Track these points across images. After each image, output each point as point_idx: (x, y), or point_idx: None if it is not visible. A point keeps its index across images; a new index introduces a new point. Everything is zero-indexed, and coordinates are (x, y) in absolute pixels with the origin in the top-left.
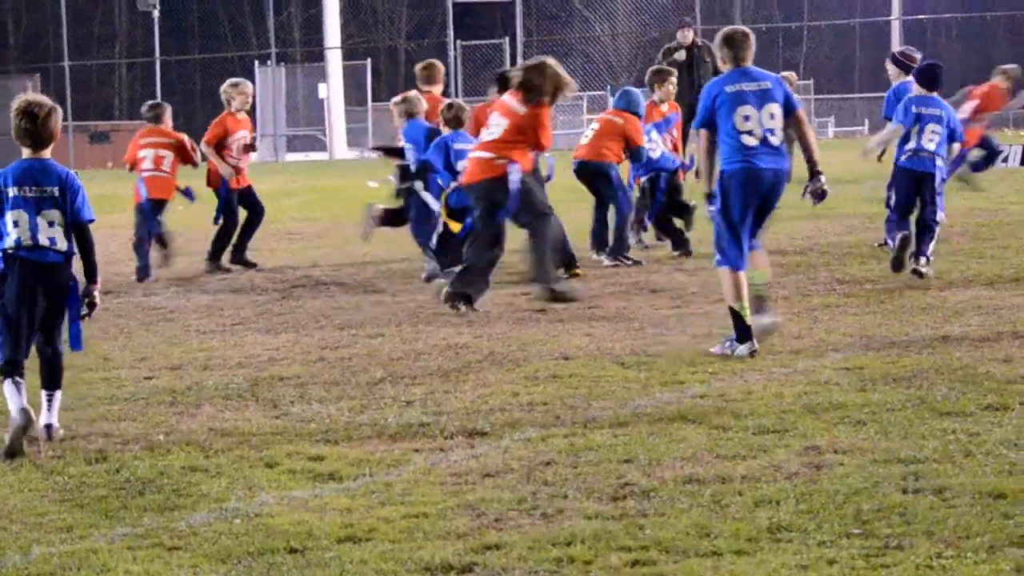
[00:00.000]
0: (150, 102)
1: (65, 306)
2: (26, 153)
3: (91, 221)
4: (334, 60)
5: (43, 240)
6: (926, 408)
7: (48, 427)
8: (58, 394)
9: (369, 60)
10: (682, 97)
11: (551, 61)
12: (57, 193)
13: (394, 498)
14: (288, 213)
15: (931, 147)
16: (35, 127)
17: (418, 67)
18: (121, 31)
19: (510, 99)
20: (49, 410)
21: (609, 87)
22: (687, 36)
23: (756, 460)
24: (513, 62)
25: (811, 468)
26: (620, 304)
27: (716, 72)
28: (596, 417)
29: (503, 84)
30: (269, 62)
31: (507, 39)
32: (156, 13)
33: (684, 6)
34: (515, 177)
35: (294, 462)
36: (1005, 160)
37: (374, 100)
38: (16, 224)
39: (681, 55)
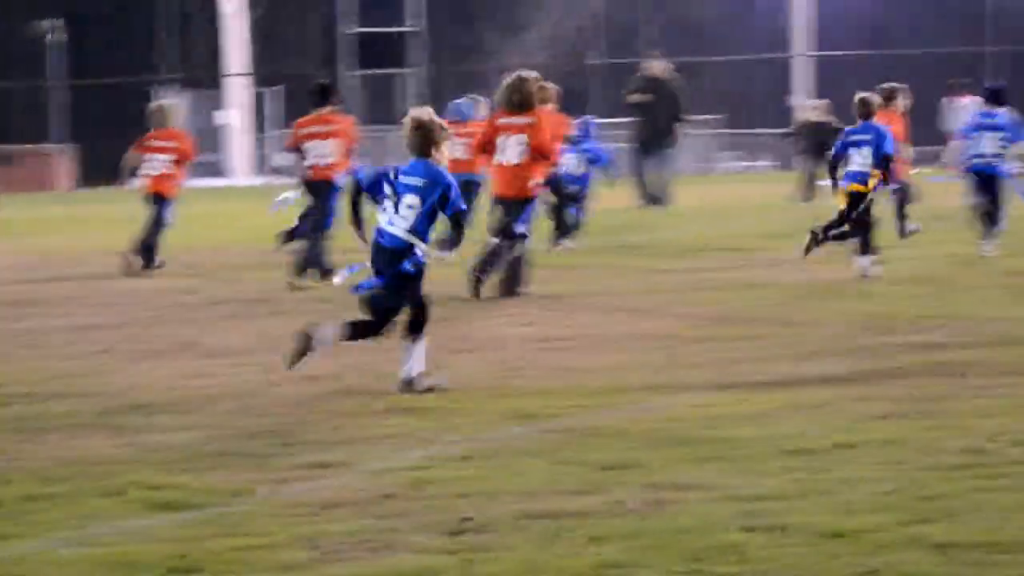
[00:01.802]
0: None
1: None
2: None
3: None
4: (236, 86)
5: None
6: (772, 446)
7: None
8: None
9: (282, 87)
10: (647, 126)
11: (528, 74)
12: None
13: (230, 529)
14: (178, 238)
15: None
16: None
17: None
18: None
19: (508, 119)
20: None
21: None
22: (655, 68)
23: (595, 496)
24: (416, 91)
25: (649, 505)
26: (488, 335)
27: (679, 105)
28: (442, 450)
29: (321, 94)
30: (171, 88)
31: (410, 69)
32: (49, 37)
33: (592, 39)
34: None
35: (134, 491)
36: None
37: (283, 126)
38: None
39: (645, 96)
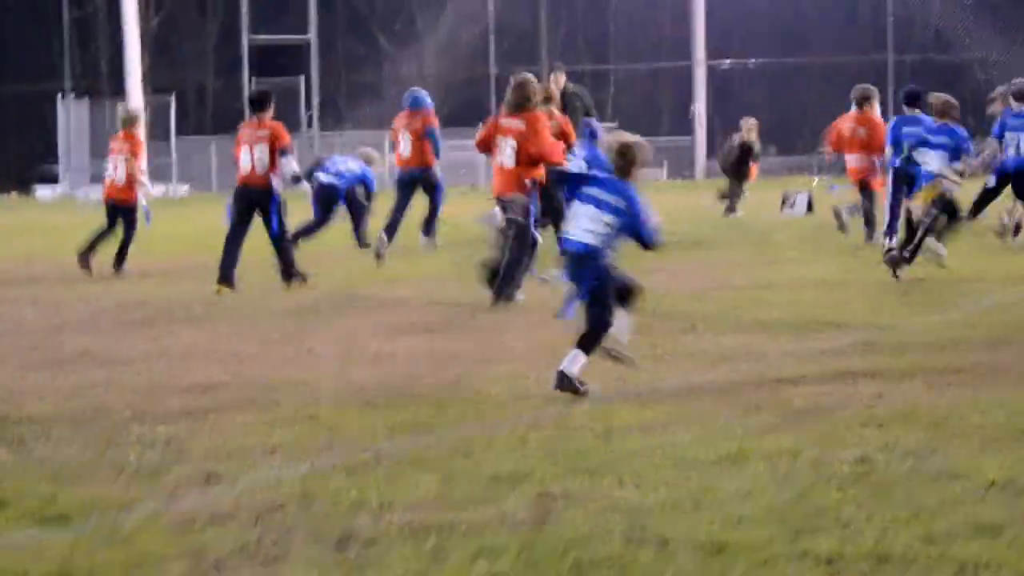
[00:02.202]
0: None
1: None
2: None
3: None
4: (136, 96)
5: None
6: (666, 457)
7: None
8: None
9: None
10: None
11: (529, 77)
12: None
13: (117, 542)
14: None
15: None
16: None
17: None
18: None
19: (507, 120)
20: None
21: None
22: (560, 81)
23: (485, 508)
24: (308, 101)
25: (539, 516)
26: (384, 345)
27: (588, 114)
28: (334, 461)
29: (258, 101)
30: (72, 96)
31: (302, 78)
32: None
33: (490, 48)
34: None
35: (23, 503)
36: (792, 207)
37: (178, 135)
38: None
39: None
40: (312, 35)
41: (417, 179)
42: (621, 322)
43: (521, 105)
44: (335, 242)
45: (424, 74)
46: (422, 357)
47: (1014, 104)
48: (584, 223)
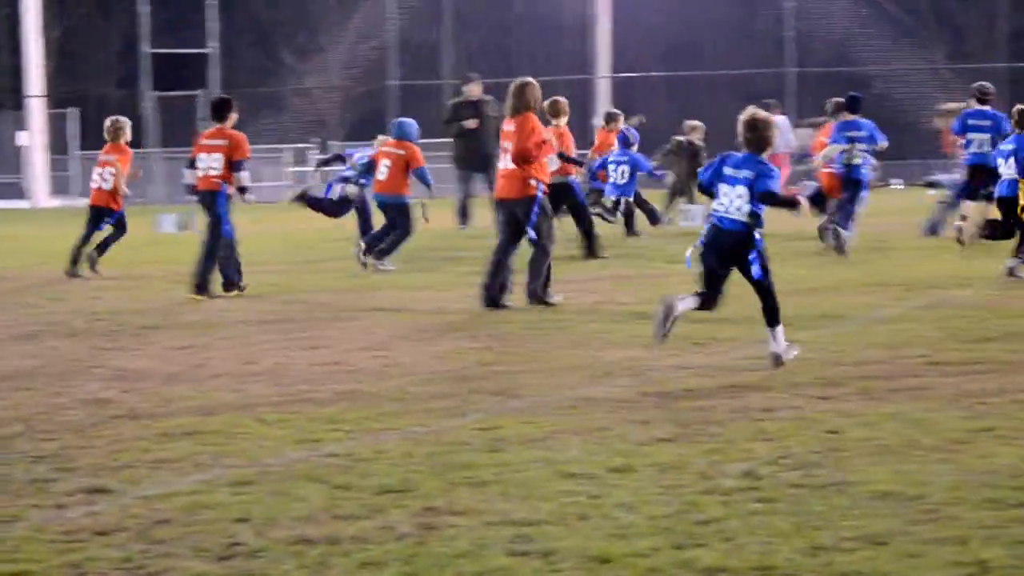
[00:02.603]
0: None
1: None
2: None
3: None
4: (36, 108)
5: None
6: (553, 469)
7: None
8: None
9: (77, 108)
10: (474, 150)
11: (525, 81)
12: None
13: (1, 556)
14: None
15: None
16: None
17: (545, 104)
18: None
19: (506, 125)
20: None
21: (319, 140)
22: (475, 90)
23: (371, 521)
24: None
25: (424, 529)
26: (275, 358)
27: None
28: (221, 474)
29: (217, 109)
30: None
31: (202, 91)
32: None
33: (393, 61)
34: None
35: None
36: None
37: (81, 148)
38: None
39: (473, 121)
40: (214, 47)
41: (390, 205)
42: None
43: (517, 109)
44: (262, 251)
45: (327, 86)
46: (317, 370)
47: (975, 104)
48: (734, 202)
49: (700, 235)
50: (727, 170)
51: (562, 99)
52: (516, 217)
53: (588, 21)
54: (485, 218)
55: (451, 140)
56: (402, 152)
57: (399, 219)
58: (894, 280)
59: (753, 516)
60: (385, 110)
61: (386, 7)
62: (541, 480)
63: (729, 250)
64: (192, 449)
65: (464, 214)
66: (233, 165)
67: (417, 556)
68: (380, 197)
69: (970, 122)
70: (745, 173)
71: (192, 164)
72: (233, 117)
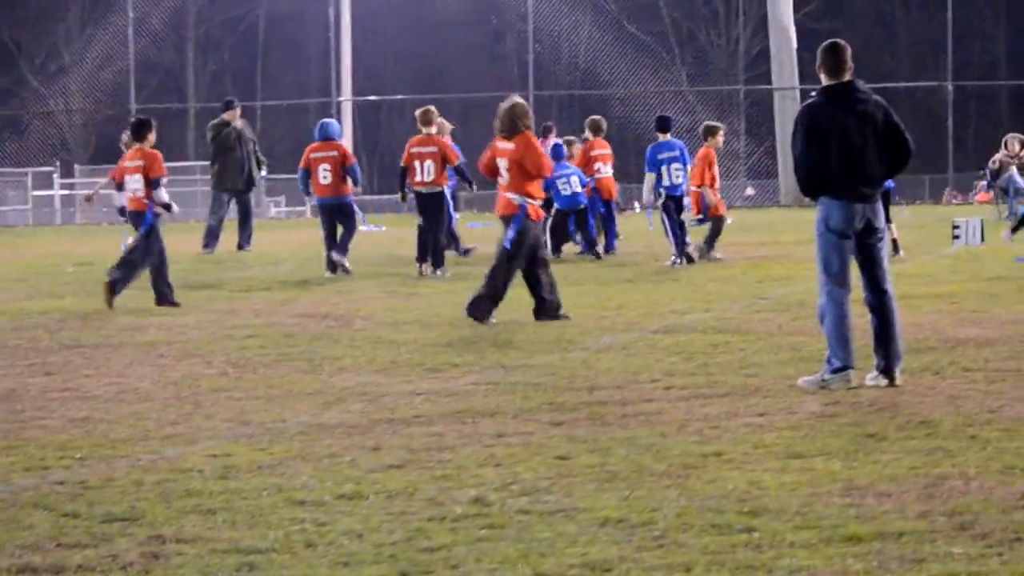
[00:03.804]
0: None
1: None
2: None
3: None
4: None
5: None
6: (282, 497)
7: None
8: None
9: None
10: (236, 172)
11: (516, 100)
12: None
13: None
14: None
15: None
16: None
17: (416, 112)
18: None
19: (501, 144)
20: None
21: (59, 163)
22: (234, 115)
23: (96, 549)
24: None
25: (149, 558)
26: (6, 384)
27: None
28: None
29: (136, 130)
30: None
31: None
32: None
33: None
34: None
35: None
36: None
37: None
38: None
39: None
40: None
41: (334, 207)
42: None
43: (514, 128)
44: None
45: (70, 110)
46: (51, 396)
47: (659, 136)
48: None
49: None
50: None
51: (433, 108)
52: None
53: (332, 45)
54: (229, 242)
55: (208, 163)
56: (334, 153)
57: (345, 219)
58: (632, 304)
59: (480, 543)
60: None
61: (128, 30)
62: (270, 507)
63: None
64: None
65: (214, 237)
66: (151, 183)
67: None
68: (324, 200)
69: (660, 156)
70: None
71: (120, 187)
72: (151, 138)
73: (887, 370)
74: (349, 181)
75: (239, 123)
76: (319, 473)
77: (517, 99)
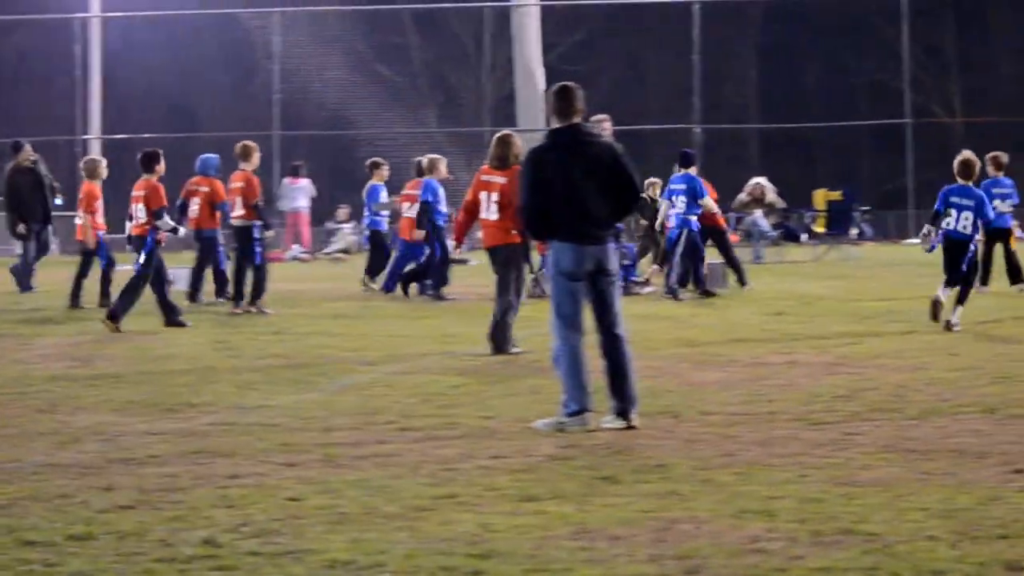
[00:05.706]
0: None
1: None
2: None
3: None
4: None
5: None
6: (12, 538)
7: None
8: None
9: None
10: (35, 210)
11: (510, 134)
12: None
13: None
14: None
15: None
16: None
17: (237, 147)
18: None
19: (489, 176)
20: None
21: None
22: (25, 155)
23: None
24: None
25: None
26: None
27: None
28: None
29: (145, 161)
30: None
31: None
32: None
33: None
34: None
35: None
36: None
37: None
38: None
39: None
40: None
41: (205, 239)
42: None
43: (504, 161)
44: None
45: None
46: None
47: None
48: (961, 222)
49: None
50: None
51: (252, 143)
52: (510, 261)
53: (78, 82)
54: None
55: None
56: (207, 189)
57: (210, 252)
58: (374, 345)
59: None
60: None
61: None
62: (0, 549)
63: None
64: None
65: (29, 275)
66: (153, 214)
67: None
68: (197, 232)
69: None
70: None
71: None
72: (159, 169)
73: (623, 412)
74: (218, 215)
75: (33, 160)
76: (49, 514)
77: (509, 132)
